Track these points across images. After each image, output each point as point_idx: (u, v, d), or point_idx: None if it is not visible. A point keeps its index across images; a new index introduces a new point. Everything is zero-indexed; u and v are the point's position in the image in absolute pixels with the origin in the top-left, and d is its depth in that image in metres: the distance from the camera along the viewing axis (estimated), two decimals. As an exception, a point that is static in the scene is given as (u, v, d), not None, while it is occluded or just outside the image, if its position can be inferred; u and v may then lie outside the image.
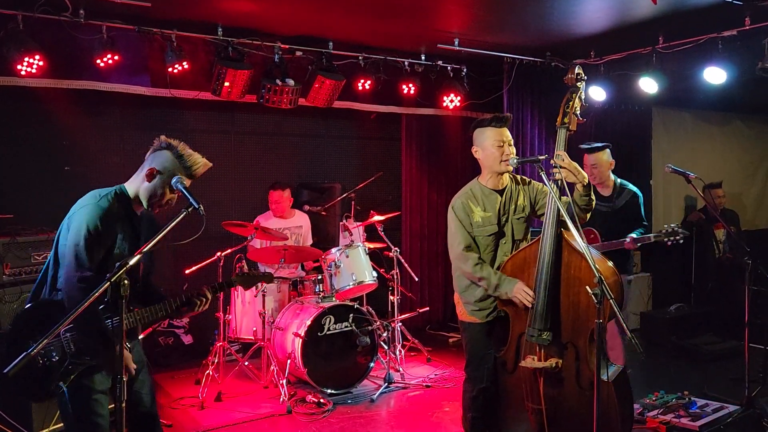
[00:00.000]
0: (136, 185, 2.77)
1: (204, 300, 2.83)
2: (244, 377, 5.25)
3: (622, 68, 5.94)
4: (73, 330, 2.59)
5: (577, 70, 3.36)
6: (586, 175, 3.23)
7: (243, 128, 6.37)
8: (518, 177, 3.56)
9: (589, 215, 3.38)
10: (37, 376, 2.59)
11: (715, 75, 5.16)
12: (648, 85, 5.54)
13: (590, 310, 3.11)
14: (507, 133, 3.41)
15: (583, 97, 3.34)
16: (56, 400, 2.66)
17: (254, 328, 5.23)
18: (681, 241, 4.28)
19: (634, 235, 4.36)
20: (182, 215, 2.53)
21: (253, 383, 5.18)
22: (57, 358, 2.58)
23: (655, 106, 7.24)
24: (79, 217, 2.63)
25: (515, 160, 3.33)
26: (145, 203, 2.76)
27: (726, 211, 6.93)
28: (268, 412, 4.62)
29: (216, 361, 5.07)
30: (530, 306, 3.23)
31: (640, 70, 5.60)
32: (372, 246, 5.62)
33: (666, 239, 4.27)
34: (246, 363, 5.18)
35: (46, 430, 3.87)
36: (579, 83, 3.35)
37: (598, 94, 5.96)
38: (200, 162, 2.78)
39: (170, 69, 5.03)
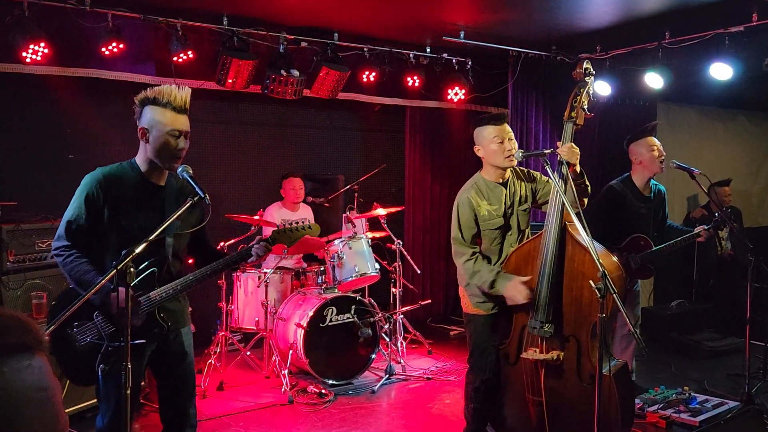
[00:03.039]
0: (141, 152, 2.69)
1: (262, 252, 2.77)
2: (245, 367, 5.27)
3: (628, 63, 5.92)
4: (104, 313, 2.59)
5: (585, 65, 3.36)
6: (578, 167, 3.25)
7: (247, 118, 6.37)
8: (517, 168, 3.57)
9: (586, 200, 3.39)
10: (80, 359, 2.59)
11: (721, 71, 5.14)
12: (653, 80, 5.53)
13: (593, 304, 3.12)
14: (507, 128, 3.42)
15: (591, 92, 3.34)
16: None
17: (256, 319, 5.25)
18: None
19: (704, 226, 4.32)
20: (188, 204, 2.54)
21: (255, 373, 5.20)
22: (93, 340, 2.58)
23: (660, 101, 7.21)
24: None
25: (520, 154, 3.33)
26: (160, 162, 2.66)
27: (729, 208, 6.92)
28: (270, 402, 4.65)
29: (218, 350, 5.09)
30: (524, 303, 3.24)
31: (645, 65, 5.58)
32: (375, 237, 5.64)
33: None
34: (248, 353, 5.20)
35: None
36: (587, 78, 3.36)
37: (603, 88, 5.95)
38: (174, 92, 2.61)
39: (175, 58, 5.02)
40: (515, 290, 3.24)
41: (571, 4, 4.91)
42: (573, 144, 3.25)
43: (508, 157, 3.37)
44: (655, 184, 4.57)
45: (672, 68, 5.45)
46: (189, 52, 5.03)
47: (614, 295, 2.69)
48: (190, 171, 2.65)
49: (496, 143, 3.38)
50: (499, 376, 3.49)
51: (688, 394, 4.52)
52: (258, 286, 5.24)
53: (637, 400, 4.22)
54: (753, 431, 4.22)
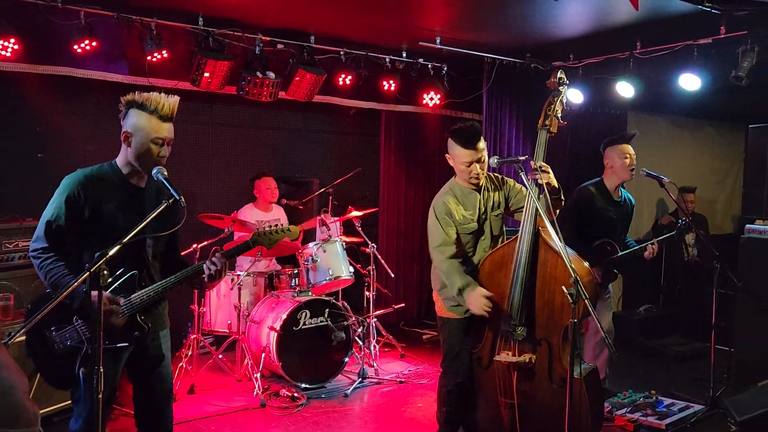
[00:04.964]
0: (122, 155, 2.69)
1: (214, 267, 2.68)
2: (217, 370, 5.22)
3: (600, 72, 6.02)
4: (84, 317, 2.55)
5: (559, 75, 3.42)
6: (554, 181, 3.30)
7: (221, 120, 6.32)
8: (491, 175, 3.61)
9: (558, 211, 3.45)
10: (59, 363, 2.55)
11: (690, 81, 5.26)
12: (625, 89, 5.63)
13: (564, 308, 3.18)
14: (478, 149, 3.40)
15: (564, 101, 3.39)
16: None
17: (229, 321, 5.21)
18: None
19: (649, 243, 4.48)
20: (163, 206, 2.52)
21: (227, 376, 5.16)
22: (73, 344, 2.54)
23: (631, 110, 7.34)
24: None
25: (495, 161, 3.37)
26: (139, 167, 2.66)
27: (695, 215, 7.09)
28: (242, 406, 4.61)
29: (189, 353, 5.04)
30: (484, 315, 3.28)
31: (617, 74, 5.68)
32: (349, 240, 5.64)
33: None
34: (220, 356, 5.15)
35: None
36: (561, 87, 3.41)
37: (576, 96, 6.04)
38: (162, 100, 2.62)
39: (149, 57, 4.96)
40: (475, 302, 3.28)
41: (545, 13, 4.98)
42: (543, 163, 3.28)
43: (473, 177, 3.41)
44: (626, 193, 4.69)
45: (643, 78, 5.56)
46: (163, 52, 4.98)
47: (586, 300, 2.74)
48: (165, 173, 2.64)
49: (463, 166, 3.42)
50: (472, 379, 3.52)
51: (655, 398, 4.61)
52: (231, 289, 5.20)
53: (606, 404, 4.30)
54: (717, 434, 4.32)
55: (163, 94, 2.65)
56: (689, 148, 8.23)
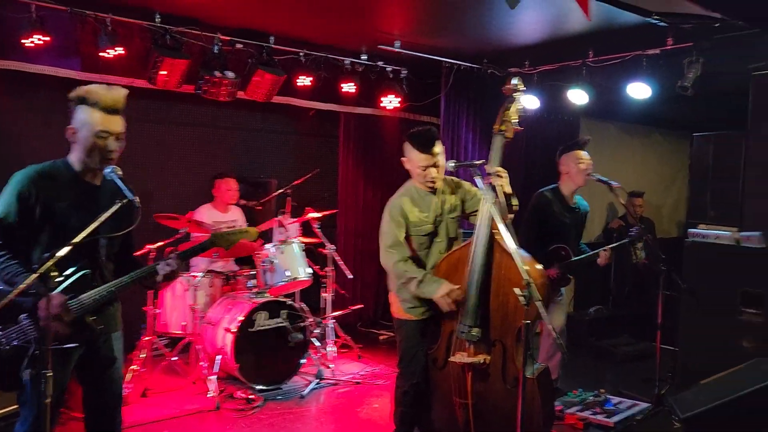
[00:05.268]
0: (73, 151, 2.63)
1: (168, 268, 2.65)
2: (171, 373, 5.14)
3: (555, 79, 6.18)
4: (32, 315, 2.48)
5: (515, 81, 3.49)
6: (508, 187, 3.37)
7: (178, 119, 6.23)
8: (448, 178, 3.67)
9: (512, 216, 3.52)
10: (5, 364, 2.47)
11: (639, 90, 5.44)
12: (577, 96, 5.79)
13: (518, 309, 3.23)
14: (434, 152, 3.45)
15: (520, 107, 3.46)
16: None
17: (184, 323, 5.14)
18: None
19: (603, 249, 4.63)
20: (116, 207, 2.48)
21: (181, 379, 5.08)
22: (19, 343, 2.46)
23: (584, 116, 7.54)
24: None
25: (453, 164, 3.43)
26: (90, 162, 2.60)
27: (644, 219, 7.33)
28: (196, 409, 4.56)
29: (143, 355, 4.95)
30: (451, 310, 3.33)
31: (570, 81, 5.83)
32: (307, 242, 5.63)
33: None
34: (174, 358, 5.08)
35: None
36: (516, 93, 3.48)
37: (531, 102, 6.17)
38: (103, 92, 2.56)
39: (103, 54, 4.86)
40: (442, 299, 3.34)
41: (502, 20, 5.09)
42: (500, 168, 3.35)
43: (429, 181, 3.48)
44: (581, 200, 4.84)
45: (594, 85, 5.73)
46: (118, 48, 4.88)
47: (538, 302, 2.81)
48: (119, 172, 2.60)
49: (419, 170, 3.48)
50: (427, 380, 3.57)
51: (604, 397, 4.76)
52: (186, 290, 5.13)
53: (557, 403, 4.41)
54: (663, 431, 4.47)
55: (104, 86, 2.60)
56: (638, 155, 8.50)
